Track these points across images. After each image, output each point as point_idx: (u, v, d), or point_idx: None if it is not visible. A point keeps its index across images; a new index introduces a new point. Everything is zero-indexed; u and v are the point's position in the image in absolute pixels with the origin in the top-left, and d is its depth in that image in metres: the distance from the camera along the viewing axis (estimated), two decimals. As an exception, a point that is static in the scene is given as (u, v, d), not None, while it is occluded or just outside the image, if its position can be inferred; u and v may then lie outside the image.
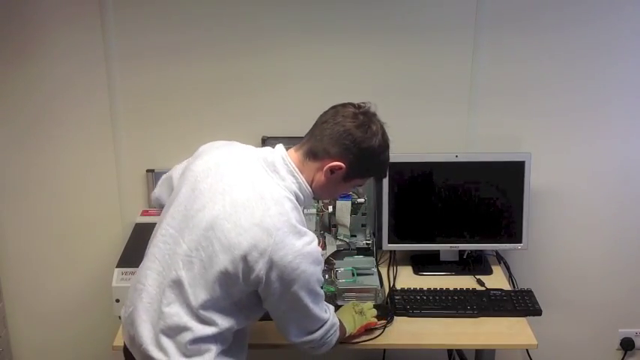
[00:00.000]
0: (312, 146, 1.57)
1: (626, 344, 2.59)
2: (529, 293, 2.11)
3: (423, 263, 2.33)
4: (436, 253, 2.34)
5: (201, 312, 1.51)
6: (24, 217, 2.42)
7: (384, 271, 2.25)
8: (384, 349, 2.42)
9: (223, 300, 1.52)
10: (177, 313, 1.51)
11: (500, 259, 2.38)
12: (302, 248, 1.48)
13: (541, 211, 2.38)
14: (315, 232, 2.22)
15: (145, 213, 2.31)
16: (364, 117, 1.56)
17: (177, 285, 1.51)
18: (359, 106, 1.58)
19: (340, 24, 2.22)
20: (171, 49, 2.23)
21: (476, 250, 2.34)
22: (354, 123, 1.54)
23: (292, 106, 2.28)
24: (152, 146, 2.33)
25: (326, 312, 1.64)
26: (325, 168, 1.55)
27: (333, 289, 2.00)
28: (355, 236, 2.31)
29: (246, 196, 1.51)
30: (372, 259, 2.22)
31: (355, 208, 2.27)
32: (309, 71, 2.26)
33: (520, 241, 2.27)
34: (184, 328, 1.51)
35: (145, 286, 1.57)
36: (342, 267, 2.13)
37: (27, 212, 2.41)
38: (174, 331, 1.52)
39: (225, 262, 1.47)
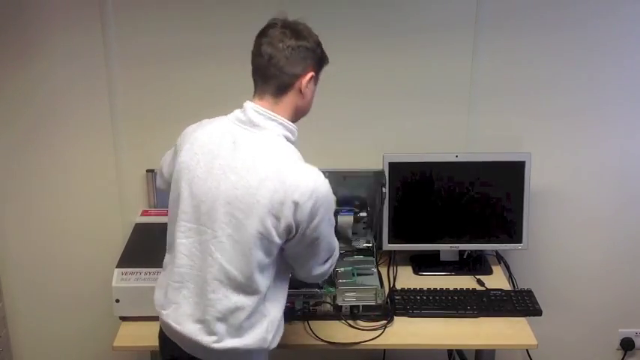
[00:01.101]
0: (278, 84, 1.58)
1: (626, 344, 2.59)
2: (529, 293, 2.11)
3: (423, 263, 2.33)
4: (436, 253, 2.34)
5: (247, 284, 1.54)
6: (24, 217, 2.42)
7: (384, 271, 2.25)
8: (384, 349, 2.43)
9: (263, 261, 1.54)
10: (226, 296, 1.54)
11: (500, 259, 2.38)
12: (315, 181, 1.53)
13: (541, 211, 2.38)
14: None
15: (145, 213, 2.32)
16: (291, 29, 1.59)
17: (217, 269, 1.53)
18: (277, 24, 1.60)
19: (340, 25, 2.22)
20: (171, 51, 2.23)
21: (476, 250, 2.34)
22: (292, 38, 1.57)
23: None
24: (152, 146, 2.32)
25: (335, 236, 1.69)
26: (303, 86, 1.58)
27: (333, 289, 2.00)
28: (356, 234, 2.31)
29: (242, 160, 1.53)
30: (372, 259, 2.22)
31: (357, 220, 2.26)
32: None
33: (520, 241, 2.28)
34: (236, 309, 1.54)
35: (183, 283, 1.59)
36: (342, 267, 2.12)
37: (27, 212, 2.41)
38: (227, 314, 1.55)
39: (254, 224, 1.50)
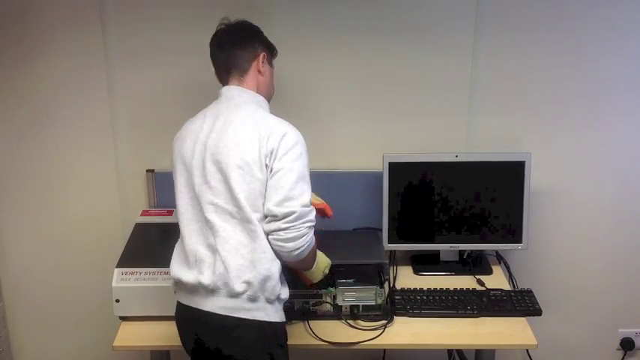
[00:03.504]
0: (236, 70, 1.79)
1: (626, 344, 2.59)
2: (529, 293, 2.11)
3: (423, 263, 2.33)
4: (436, 253, 2.34)
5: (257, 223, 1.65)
6: (24, 217, 2.42)
7: (384, 271, 2.25)
8: (384, 349, 2.43)
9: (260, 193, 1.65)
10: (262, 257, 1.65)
11: (500, 259, 2.38)
12: (286, 124, 1.71)
13: (541, 211, 2.38)
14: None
15: (144, 213, 2.32)
16: (233, 24, 1.85)
17: (234, 210, 1.65)
18: (224, 23, 1.86)
19: (340, 24, 2.22)
20: (172, 51, 2.23)
21: (476, 250, 2.34)
22: (236, 30, 1.83)
23: (291, 106, 2.28)
24: (152, 146, 2.33)
25: (310, 202, 1.67)
26: (260, 65, 1.79)
27: (333, 289, 2.00)
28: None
29: (222, 122, 1.70)
30: (372, 259, 2.22)
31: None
32: (309, 72, 2.27)
33: (520, 241, 2.27)
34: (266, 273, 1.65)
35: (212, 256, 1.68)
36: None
37: (27, 212, 2.41)
38: (263, 282, 1.65)
39: (236, 153, 1.65)
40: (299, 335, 1.93)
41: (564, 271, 2.49)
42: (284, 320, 1.75)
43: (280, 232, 1.63)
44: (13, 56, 2.23)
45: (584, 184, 2.39)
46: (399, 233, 2.27)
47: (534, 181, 2.25)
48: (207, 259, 1.66)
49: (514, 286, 2.31)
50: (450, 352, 2.48)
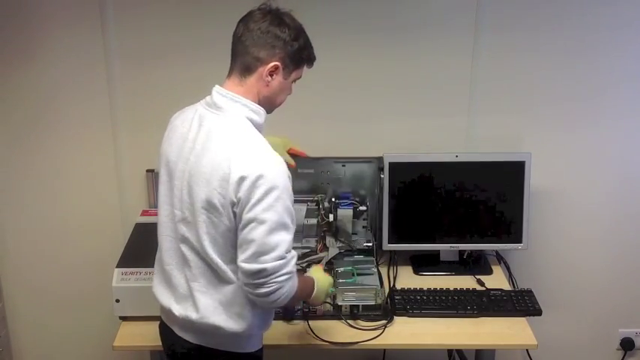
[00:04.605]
0: (242, 63, 1.57)
1: (626, 344, 2.59)
2: (529, 293, 2.11)
3: (423, 263, 2.33)
4: (436, 253, 2.34)
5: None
6: (24, 217, 2.42)
7: (384, 271, 2.24)
8: (384, 349, 2.42)
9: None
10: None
11: (500, 259, 2.38)
12: (266, 164, 1.50)
13: (541, 211, 2.38)
14: (315, 235, 2.23)
15: (144, 213, 2.31)
16: (273, 14, 1.57)
17: (202, 252, 1.56)
18: (263, 8, 1.59)
19: (340, 24, 2.22)
20: (172, 49, 2.23)
21: (476, 250, 2.34)
22: (267, 21, 1.55)
23: (292, 106, 2.27)
24: (152, 146, 2.31)
25: (287, 251, 1.52)
26: (264, 75, 1.56)
27: (333, 289, 2.00)
28: (356, 234, 2.31)
29: (202, 141, 1.55)
30: (372, 259, 2.22)
31: (357, 215, 2.27)
32: (309, 72, 2.26)
33: (520, 241, 2.27)
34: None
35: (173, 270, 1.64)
36: (342, 267, 2.13)
37: (27, 212, 2.41)
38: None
39: (205, 192, 1.51)
40: (299, 335, 1.93)
41: (564, 271, 2.49)
42: (260, 347, 1.72)
43: (252, 288, 1.51)
44: (13, 55, 2.23)
45: (584, 184, 2.39)
46: (399, 233, 2.27)
47: (534, 181, 2.25)
48: (181, 289, 1.62)
49: (514, 286, 2.31)
50: (450, 352, 2.48)
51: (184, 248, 1.59)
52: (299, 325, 1.97)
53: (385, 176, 2.21)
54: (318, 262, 2.17)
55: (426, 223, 2.28)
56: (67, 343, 2.58)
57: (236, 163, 1.48)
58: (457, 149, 2.27)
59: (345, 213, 2.24)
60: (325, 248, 2.23)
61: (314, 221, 2.23)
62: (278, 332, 1.92)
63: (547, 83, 2.28)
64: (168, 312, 1.66)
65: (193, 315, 1.60)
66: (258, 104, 1.60)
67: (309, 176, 2.26)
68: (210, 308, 1.59)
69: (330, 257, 2.19)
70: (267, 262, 1.48)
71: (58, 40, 2.21)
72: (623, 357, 2.62)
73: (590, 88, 2.28)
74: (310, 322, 1.96)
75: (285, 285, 1.52)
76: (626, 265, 2.49)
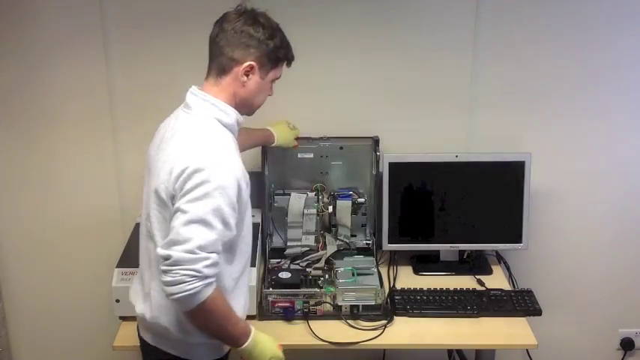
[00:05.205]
0: (218, 64, 1.57)
1: (626, 344, 2.59)
2: (529, 293, 2.11)
3: (423, 263, 2.33)
4: (436, 253, 2.34)
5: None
6: (24, 218, 2.42)
7: (384, 271, 2.24)
8: (384, 349, 2.42)
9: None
10: None
11: (500, 259, 2.38)
12: (210, 161, 1.48)
13: (541, 211, 2.38)
14: (315, 232, 2.23)
15: (145, 213, 2.31)
16: (247, 14, 1.57)
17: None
18: (238, 9, 1.59)
19: (340, 24, 2.22)
20: (171, 48, 2.22)
21: (476, 250, 2.34)
22: (241, 21, 1.55)
23: (291, 106, 2.28)
24: (152, 146, 2.33)
25: (201, 248, 1.46)
26: (240, 75, 1.56)
27: (333, 289, 2.00)
28: (355, 236, 2.32)
29: (166, 141, 1.57)
30: (372, 259, 2.22)
31: (355, 208, 2.27)
32: (309, 72, 2.26)
33: (520, 241, 2.27)
34: None
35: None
36: (342, 267, 2.13)
37: (27, 212, 2.41)
38: None
39: (154, 185, 1.54)
40: (299, 335, 1.93)
41: (564, 271, 2.49)
42: (221, 356, 1.70)
43: (162, 275, 1.47)
44: (13, 57, 2.23)
45: (584, 184, 2.39)
46: (399, 233, 2.27)
47: (534, 181, 2.25)
48: (146, 289, 1.64)
49: (514, 286, 2.31)
50: (450, 352, 2.48)
51: (151, 246, 1.59)
52: (299, 325, 1.97)
53: (385, 176, 2.21)
54: (317, 261, 2.17)
55: (426, 223, 2.28)
56: (67, 343, 2.57)
57: (182, 156, 1.49)
58: (457, 149, 2.27)
59: (344, 204, 2.24)
60: (325, 247, 2.23)
61: (313, 211, 2.23)
62: (278, 332, 1.92)
63: (547, 83, 2.28)
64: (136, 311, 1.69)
65: (147, 314, 1.62)
66: (236, 106, 1.60)
67: (308, 162, 2.29)
68: (162, 309, 1.59)
69: (328, 254, 2.19)
70: (175, 251, 1.45)
71: (58, 42, 2.21)
72: (623, 357, 2.62)
73: (590, 87, 2.28)
74: (310, 322, 1.96)
75: (192, 284, 1.45)
76: (627, 265, 2.49)
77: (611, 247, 2.47)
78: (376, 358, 2.47)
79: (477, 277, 2.25)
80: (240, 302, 1.68)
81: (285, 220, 2.25)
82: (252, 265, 2.02)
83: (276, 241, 2.31)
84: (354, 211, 2.27)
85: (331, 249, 2.22)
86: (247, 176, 1.58)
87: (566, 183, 2.39)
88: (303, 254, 2.21)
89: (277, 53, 1.59)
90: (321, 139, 2.25)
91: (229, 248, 1.59)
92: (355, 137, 2.26)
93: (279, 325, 1.96)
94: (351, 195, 2.26)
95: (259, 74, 1.58)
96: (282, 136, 2.16)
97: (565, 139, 2.34)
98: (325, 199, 2.27)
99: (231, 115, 1.59)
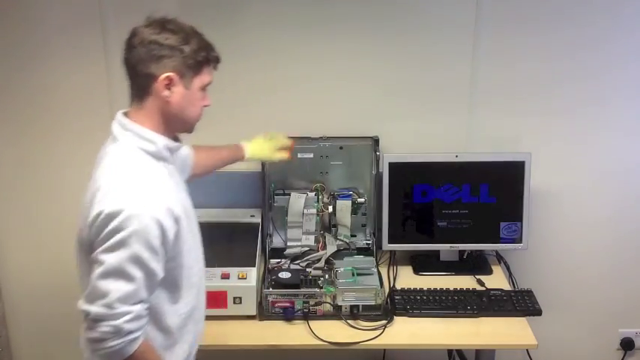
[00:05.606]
0: (135, 85, 1.44)
1: (626, 344, 2.59)
2: (529, 293, 2.11)
3: (423, 263, 2.33)
4: (436, 253, 2.34)
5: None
6: (24, 218, 2.42)
7: (384, 271, 2.24)
8: (384, 349, 2.42)
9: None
10: None
11: (500, 259, 2.38)
12: (127, 199, 1.36)
13: (541, 211, 2.38)
14: (314, 232, 2.23)
15: (145, 213, 2.31)
16: (154, 25, 1.44)
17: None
18: (145, 23, 1.46)
19: (340, 24, 2.22)
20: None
21: (476, 250, 2.34)
22: (148, 32, 1.42)
23: (292, 107, 2.28)
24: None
25: (120, 301, 1.37)
26: (160, 91, 1.41)
27: (333, 289, 2.00)
28: (355, 236, 2.32)
29: (92, 175, 1.49)
30: (372, 259, 2.22)
31: (355, 208, 2.28)
32: (309, 72, 2.26)
33: (520, 241, 2.27)
34: None
35: None
36: (342, 267, 2.13)
37: (27, 212, 2.41)
38: None
39: (79, 226, 1.46)
40: (299, 335, 1.93)
41: (564, 271, 2.49)
42: None
43: (84, 330, 1.43)
44: (13, 56, 2.23)
45: (584, 184, 2.39)
46: (399, 233, 2.27)
47: (534, 181, 2.25)
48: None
49: (514, 286, 2.31)
50: (450, 352, 2.48)
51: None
52: (299, 325, 1.97)
53: (385, 176, 2.21)
54: (317, 261, 2.17)
55: (426, 223, 2.28)
56: (67, 343, 2.57)
57: (98, 198, 1.38)
58: (457, 149, 2.27)
59: (344, 204, 2.24)
60: (325, 247, 2.23)
61: (313, 211, 2.23)
62: (278, 332, 1.92)
63: (547, 83, 2.28)
64: None
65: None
66: (167, 127, 1.47)
67: (308, 162, 2.28)
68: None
69: (328, 254, 2.19)
70: (94, 307, 1.38)
71: (58, 41, 2.21)
72: (623, 357, 2.62)
73: (590, 87, 2.28)
74: (310, 322, 1.96)
75: (113, 341, 1.38)
76: (626, 265, 2.49)
77: (611, 247, 2.47)
78: (376, 358, 2.47)
79: (477, 277, 2.25)
80: (188, 340, 1.58)
81: (285, 220, 2.25)
82: (252, 265, 2.03)
83: (276, 241, 2.31)
84: (354, 211, 2.27)
85: (331, 249, 2.22)
86: (185, 206, 1.49)
87: (566, 183, 2.39)
88: (303, 254, 2.21)
89: (196, 58, 1.43)
90: (320, 139, 2.25)
91: (171, 286, 1.49)
92: (355, 137, 2.26)
93: (279, 325, 1.96)
94: (351, 195, 2.26)
95: (182, 85, 1.43)
96: (254, 148, 2.02)
97: (565, 139, 2.34)
98: (325, 199, 2.28)
99: (158, 143, 1.45)
